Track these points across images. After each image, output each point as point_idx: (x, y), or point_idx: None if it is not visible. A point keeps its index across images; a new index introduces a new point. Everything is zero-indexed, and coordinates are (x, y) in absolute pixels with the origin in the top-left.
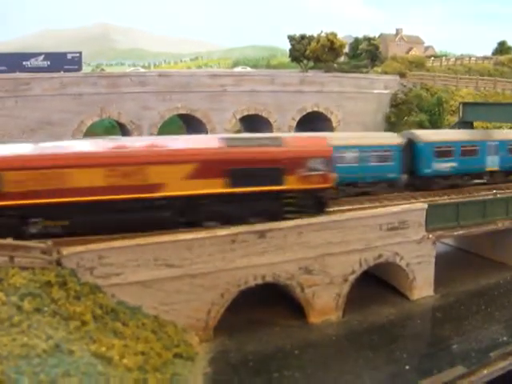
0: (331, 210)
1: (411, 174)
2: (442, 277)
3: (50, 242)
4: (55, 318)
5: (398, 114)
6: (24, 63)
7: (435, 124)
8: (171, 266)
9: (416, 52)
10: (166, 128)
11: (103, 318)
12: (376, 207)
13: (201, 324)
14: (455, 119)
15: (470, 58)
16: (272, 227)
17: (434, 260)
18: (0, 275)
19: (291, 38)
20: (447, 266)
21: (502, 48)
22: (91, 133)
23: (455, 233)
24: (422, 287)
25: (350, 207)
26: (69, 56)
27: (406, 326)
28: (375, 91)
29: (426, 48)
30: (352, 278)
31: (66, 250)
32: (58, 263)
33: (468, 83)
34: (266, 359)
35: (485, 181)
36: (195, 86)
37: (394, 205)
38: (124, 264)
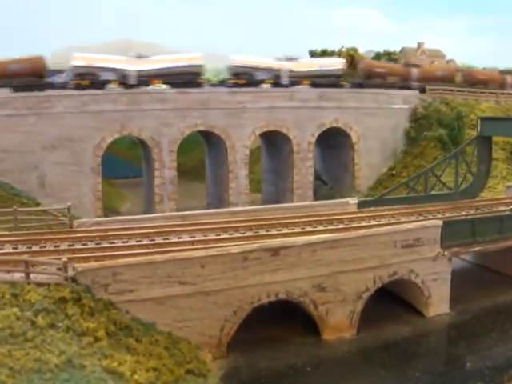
0: (345, 226)
1: None
2: (458, 293)
3: (65, 259)
4: (68, 334)
5: (417, 129)
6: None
7: (455, 139)
8: (184, 284)
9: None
10: (187, 145)
11: (116, 334)
12: (391, 224)
13: (214, 341)
14: (475, 134)
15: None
16: (285, 244)
17: (449, 277)
18: (16, 291)
19: (313, 53)
20: (464, 283)
21: None
22: (114, 149)
23: (471, 249)
24: (438, 304)
25: (365, 224)
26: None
27: (421, 344)
28: (394, 106)
29: (448, 61)
30: (366, 295)
31: (81, 267)
32: (73, 280)
33: (488, 97)
34: (278, 376)
35: None
36: (214, 102)
37: (409, 221)
38: (138, 281)
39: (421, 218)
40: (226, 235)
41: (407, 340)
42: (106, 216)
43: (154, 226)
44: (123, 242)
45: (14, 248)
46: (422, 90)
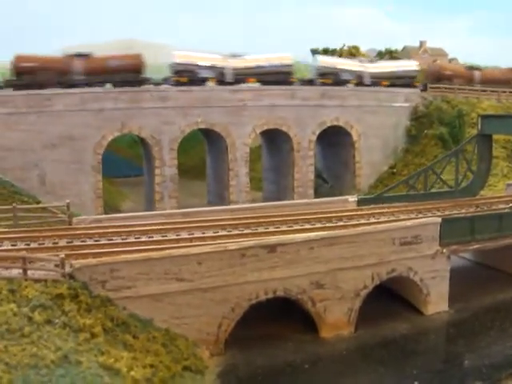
0: (344, 224)
1: None
2: (458, 291)
3: (63, 255)
4: (65, 330)
5: (418, 128)
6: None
7: (455, 137)
8: (182, 280)
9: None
10: (188, 143)
11: (113, 330)
12: (389, 221)
13: (211, 338)
14: (476, 132)
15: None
16: (283, 241)
17: (448, 275)
18: (13, 287)
19: (314, 51)
20: (463, 280)
21: None
22: (115, 147)
23: (470, 247)
24: (437, 302)
25: (364, 221)
26: None
27: (419, 342)
28: (395, 104)
29: (450, 60)
30: (364, 292)
31: (78, 263)
32: (71, 276)
33: (490, 95)
34: (275, 374)
35: None
36: (215, 100)
37: (408, 219)
38: (135, 277)
39: (420, 215)
40: (224, 232)
41: (405, 338)
42: (106, 214)
43: (153, 224)
44: (122, 239)
45: (12, 245)
46: (424, 88)
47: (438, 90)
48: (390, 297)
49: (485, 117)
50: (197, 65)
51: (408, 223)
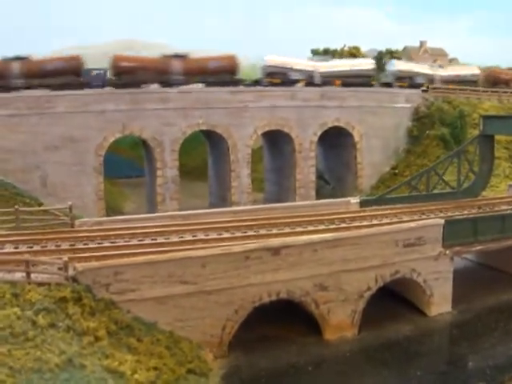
0: (347, 226)
1: None
2: (461, 292)
3: (66, 258)
4: (69, 334)
5: (420, 128)
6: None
7: (457, 138)
8: (186, 283)
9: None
10: (189, 144)
11: (117, 333)
12: (392, 223)
13: (215, 340)
14: (477, 132)
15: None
16: (286, 244)
17: (451, 276)
18: (16, 290)
19: (315, 52)
20: (466, 281)
21: None
22: (116, 148)
23: (473, 248)
24: (440, 303)
25: (367, 223)
26: (94, 73)
27: (423, 343)
28: (396, 105)
29: (451, 60)
30: (368, 294)
31: (81, 266)
32: (74, 279)
33: (491, 96)
34: (278, 375)
35: None
36: (216, 101)
37: (411, 220)
38: (139, 280)
39: (423, 216)
40: (227, 234)
41: (409, 339)
42: (108, 216)
43: (156, 226)
44: (125, 242)
45: (15, 248)
46: (425, 89)
47: (439, 91)
48: (394, 298)
49: (487, 117)
50: (288, 68)
51: (411, 225)
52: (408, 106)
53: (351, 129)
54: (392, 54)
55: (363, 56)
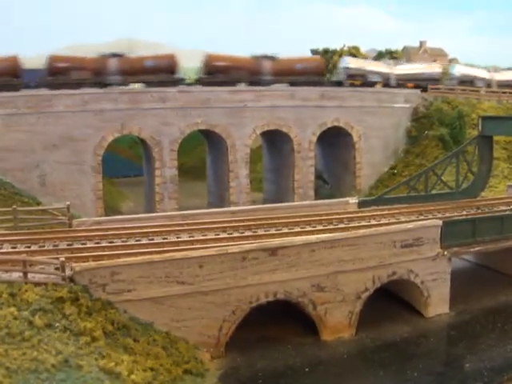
0: (345, 226)
1: None
2: (459, 293)
3: (63, 258)
4: (66, 334)
5: (419, 128)
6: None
7: (456, 138)
8: (182, 283)
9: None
10: (188, 144)
11: (114, 333)
12: (390, 224)
13: (212, 341)
14: (476, 133)
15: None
16: (283, 244)
17: (449, 277)
18: (13, 290)
19: (314, 52)
20: (464, 282)
21: None
22: (115, 148)
23: (471, 249)
24: (437, 304)
25: (365, 223)
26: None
27: (420, 344)
28: (396, 105)
29: (450, 60)
30: (365, 295)
31: (78, 266)
32: (71, 279)
33: (491, 96)
34: (275, 376)
35: None
36: (215, 101)
37: (409, 221)
38: (136, 280)
39: (421, 217)
40: (225, 235)
41: (406, 340)
42: (107, 215)
43: (154, 226)
44: (122, 242)
45: (12, 247)
46: (424, 89)
47: (438, 91)
48: (391, 299)
49: (485, 118)
50: (368, 70)
51: (409, 226)
52: (407, 106)
53: (350, 129)
54: (391, 54)
55: (363, 56)
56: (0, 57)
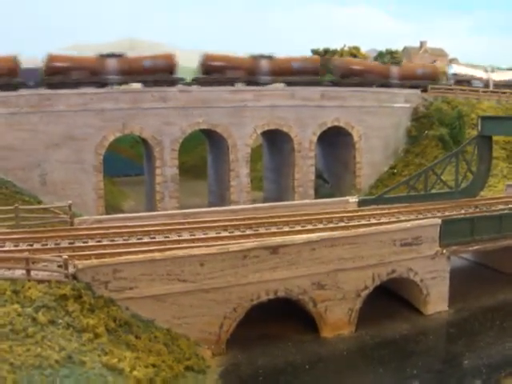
0: (345, 225)
1: None
2: (458, 291)
3: (66, 256)
4: (69, 330)
5: (418, 128)
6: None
7: (456, 138)
8: (184, 281)
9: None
10: (189, 143)
11: (116, 330)
12: (390, 222)
13: (213, 338)
14: (476, 133)
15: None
16: (284, 243)
17: (448, 275)
18: (16, 288)
19: (315, 52)
20: (463, 281)
21: None
22: (116, 147)
23: (470, 248)
24: (436, 302)
25: (365, 222)
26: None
27: (419, 342)
28: (396, 105)
29: (451, 60)
30: (365, 293)
31: (81, 264)
32: (74, 277)
33: (490, 96)
34: (276, 373)
35: None
36: (216, 101)
37: (408, 220)
38: (138, 278)
39: (420, 216)
40: (226, 233)
41: (405, 338)
42: (107, 214)
43: (155, 224)
44: (124, 240)
45: (15, 245)
46: (424, 89)
47: (438, 91)
48: (390, 297)
49: (485, 118)
50: (470, 76)
51: (408, 225)
52: (407, 106)
53: (350, 128)
54: (392, 55)
55: (363, 56)
56: (161, 54)
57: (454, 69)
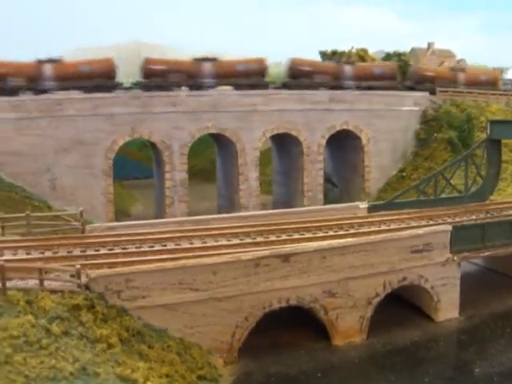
0: (355, 232)
1: None
2: (468, 298)
3: (78, 266)
4: (82, 341)
5: (427, 131)
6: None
7: (465, 141)
8: (196, 290)
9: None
10: (198, 146)
11: (129, 340)
12: (400, 229)
13: (225, 346)
14: (485, 136)
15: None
16: (296, 251)
17: (459, 282)
18: (30, 298)
19: (323, 54)
20: (473, 287)
21: None
22: (124, 150)
23: (481, 254)
24: (447, 309)
25: (375, 229)
26: None
27: (430, 349)
28: (405, 108)
29: (459, 61)
30: (376, 300)
31: (94, 274)
32: (87, 287)
33: (499, 99)
34: (288, 381)
35: None
36: (225, 105)
37: (419, 226)
38: (150, 287)
39: (431, 222)
40: (237, 241)
41: (417, 345)
42: (117, 219)
43: (166, 231)
44: (136, 248)
45: (27, 253)
46: (432, 92)
47: (446, 94)
48: (401, 304)
49: (494, 122)
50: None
51: (419, 231)
52: (416, 109)
53: (359, 132)
54: (399, 57)
55: (372, 58)
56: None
57: (510, 75)
